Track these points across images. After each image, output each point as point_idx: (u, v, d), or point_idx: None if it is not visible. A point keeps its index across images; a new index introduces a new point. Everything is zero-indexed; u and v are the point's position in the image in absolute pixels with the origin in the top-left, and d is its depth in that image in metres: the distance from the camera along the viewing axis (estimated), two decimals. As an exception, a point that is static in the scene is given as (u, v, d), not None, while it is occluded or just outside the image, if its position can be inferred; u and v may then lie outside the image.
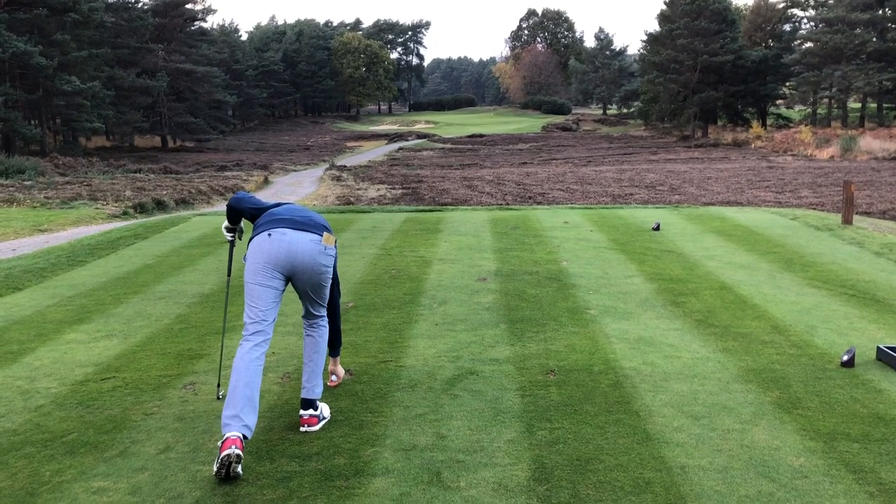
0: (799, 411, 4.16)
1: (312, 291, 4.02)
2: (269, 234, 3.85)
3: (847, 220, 11.36)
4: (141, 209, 20.28)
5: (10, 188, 23.96)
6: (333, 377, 4.62)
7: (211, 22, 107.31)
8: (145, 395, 4.57)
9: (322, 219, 4.09)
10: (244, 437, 3.52)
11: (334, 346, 4.50)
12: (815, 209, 16.26)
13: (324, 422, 4.07)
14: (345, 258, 8.80)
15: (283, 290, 3.96)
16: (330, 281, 4.10)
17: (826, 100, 57.91)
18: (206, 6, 73.59)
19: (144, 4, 57.04)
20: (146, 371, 5.01)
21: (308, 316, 4.17)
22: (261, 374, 3.77)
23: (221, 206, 22.66)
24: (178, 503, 3.28)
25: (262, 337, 3.83)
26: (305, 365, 4.13)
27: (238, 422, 3.53)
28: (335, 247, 4.04)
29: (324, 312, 4.18)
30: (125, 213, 19.34)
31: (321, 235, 3.91)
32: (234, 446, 3.40)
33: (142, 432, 4.01)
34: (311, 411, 4.02)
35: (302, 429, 3.98)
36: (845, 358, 4.92)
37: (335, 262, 4.13)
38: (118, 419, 4.20)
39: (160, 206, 21.29)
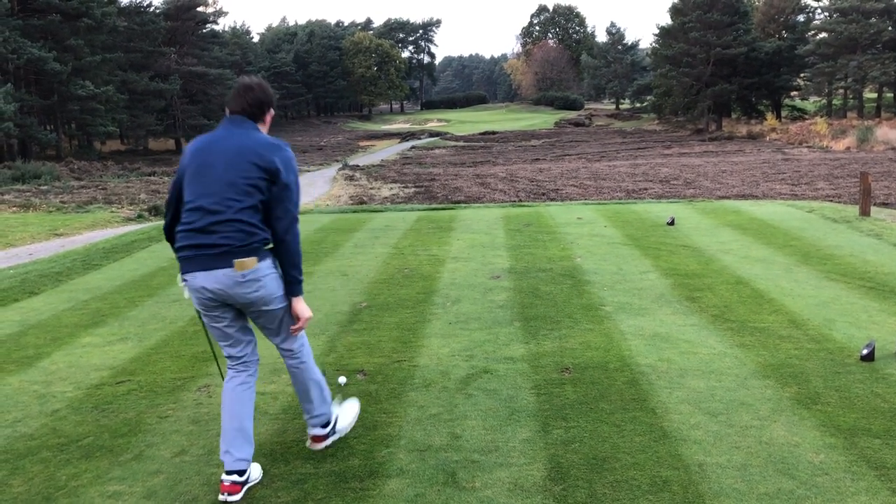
0: (818, 407, 4.10)
1: (261, 325, 3.55)
2: (184, 283, 3.41)
3: (864, 212, 11.23)
4: (155, 212, 20.36)
5: (27, 193, 24.16)
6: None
7: (222, 24, 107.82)
8: (160, 398, 4.58)
9: (235, 232, 3.27)
10: (241, 471, 3.37)
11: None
12: (831, 201, 16.09)
13: (335, 437, 3.84)
14: (358, 257, 8.80)
15: (239, 316, 3.52)
16: (275, 307, 3.45)
17: (841, 90, 57.31)
18: (218, 9, 73.96)
19: (156, 8, 57.34)
20: (161, 374, 5.02)
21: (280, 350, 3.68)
22: (249, 401, 3.54)
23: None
24: (192, 506, 3.28)
25: (244, 367, 3.57)
26: (301, 403, 3.76)
27: (230, 458, 3.38)
28: (262, 267, 3.35)
29: (291, 346, 3.61)
30: (140, 216, 19.44)
31: (231, 265, 3.28)
32: (226, 493, 3.31)
33: (157, 435, 4.02)
34: (318, 430, 3.78)
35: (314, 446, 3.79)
36: (865, 352, 4.85)
37: (275, 284, 3.42)
38: (133, 422, 4.21)
39: (175, 208, 21.35)
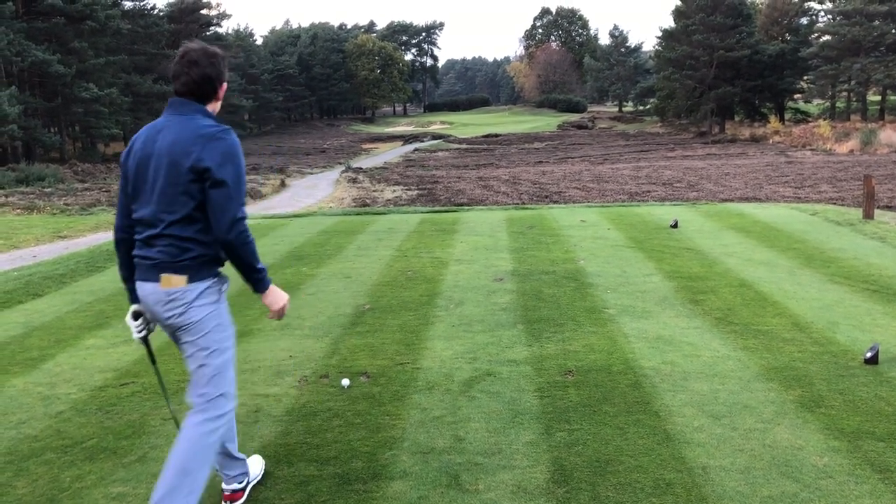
0: (822, 410, 4.10)
1: (185, 359, 3.07)
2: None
3: (868, 215, 11.22)
4: (159, 214, 20.40)
5: (31, 195, 24.22)
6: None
7: (226, 27, 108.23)
8: (163, 400, 4.58)
9: (167, 247, 2.91)
10: (240, 480, 3.28)
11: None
12: (835, 204, 16.07)
13: (255, 480, 3.44)
14: (361, 260, 8.81)
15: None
16: (199, 342, 2.98)
17: (845, 93, 57.23)
18: (221, 11, 74.02)
19: (160, 11, 57.52)
20: (165, 376, 5.01)
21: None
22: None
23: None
24: (196, 508, 3.28)
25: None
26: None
27: (226, 476, 3.28)
28: (191, 289, 2.93)
29: (204, 395, 3.01)
30: (143, 219, 19.47)
31: (158, 280, 2.93)
32: (228, 502, 3.26)
33: (160, 437, 4.02)
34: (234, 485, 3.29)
35: None
36: (868, 355, 4.84)
37: (204, 315, 2.96)
38: (137, 424, 4.22)
39: (178, 210, 21.42)
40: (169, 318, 2.96)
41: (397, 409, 4.29)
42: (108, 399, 4.63)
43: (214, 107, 3.07)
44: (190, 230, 2.90)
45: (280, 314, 3.18)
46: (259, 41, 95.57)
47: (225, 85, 3.10)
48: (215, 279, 3.03)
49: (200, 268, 2.95)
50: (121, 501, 3.37)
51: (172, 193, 2.87)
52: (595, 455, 3.62)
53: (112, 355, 5.54)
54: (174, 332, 3.03)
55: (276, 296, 3.15)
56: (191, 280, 2.93)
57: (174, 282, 2.91)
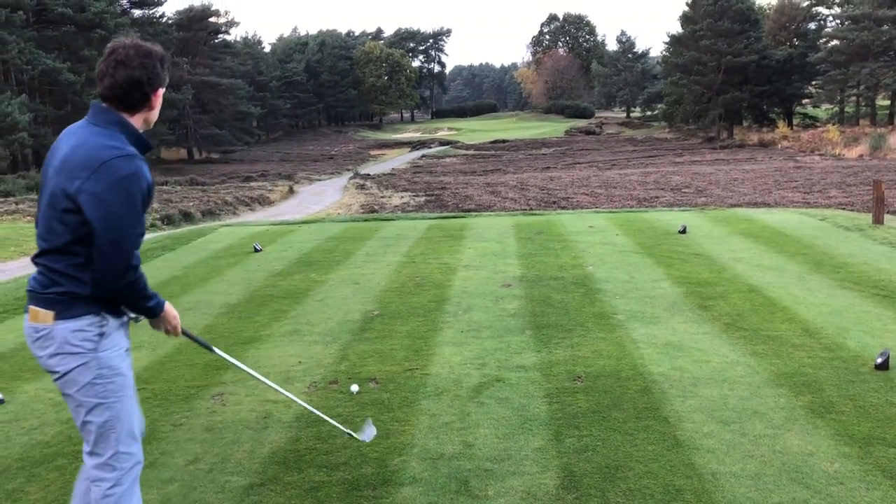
0: (832, 416, 4.08)
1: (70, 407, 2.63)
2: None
3: (878, 220, 11.17)
4: (168, 221, 20.53)
5: (41, 202, 24.33)
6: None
7: (234, 34, 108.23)
8: (174, 406, 4.60)
9: (38, 275, 2.55)
10: None
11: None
12: (844, 209, 16.01)
13: None
14: (370, 266, 8.82)
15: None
16: (78, 397, 2.54)
17: (853, 98, 57.07)
18: (230, 19, 74.53)
19: (169, 19, 57.85)
20: (174, 382, 5.05)
21: None
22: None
23: (247, 217, 22.86)
24: (207, 514, 3.29)
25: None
26: None
27: None
28: (57, 331, 2.50)
29: (94, 457, 2.61)
30: (153, 225, 19.58)
31: (28, 312, 2.55)
32: None
33: (171, 443, 4.04)
34: None
35: None
36: (879, 360, 4.82)
37: (73, 364, 2.51)
38: (147, 430, 4.20)
39: (187, 217, 21.55)
40: (40, 358, 2.55)
41: (406, 414, 4.30)
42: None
43: (147, 116, 2.62)
44: (62, 263, 2.48)
45: (174, 331, 2.86)
46: (267, 48, 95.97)
47: (161, 91, 2.61)
48: (96, 317, 2.54)
49: (72, 304, 2.49)
50: None
51: (50, 218, 2.49)
52: (604, 461, 3.62)
53: (122, 361, 5.57)
54: (49, 373, 2.59)
55: (172, 316, 2.84)
56: (58, 317, 2.48)
57: (41, 317, 2.49)
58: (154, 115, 2.64)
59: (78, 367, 2.50)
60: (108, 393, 2.55)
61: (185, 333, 2.93)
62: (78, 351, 2.50)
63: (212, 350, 3.00)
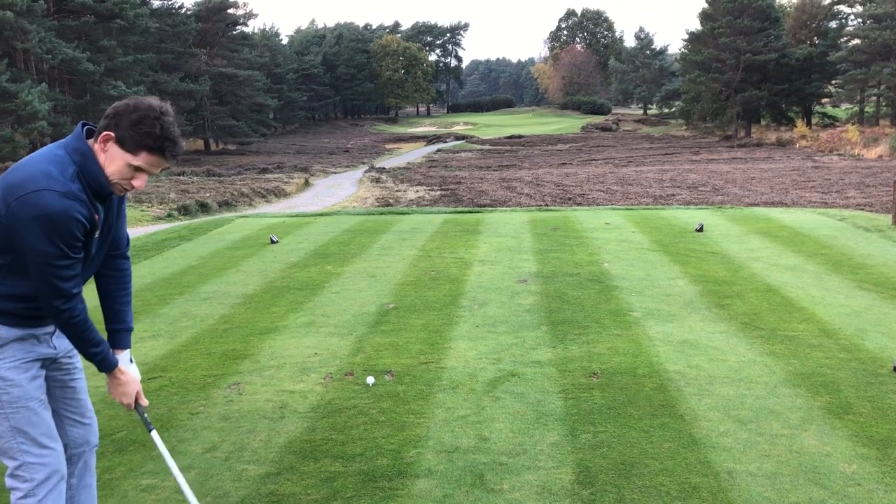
0: (850, 417, 4.06)
1: None
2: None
3: (898, 221, 11.06)
4: (185, 211, 20.65)
5: (59, 191, 24.50)
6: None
7: (252, 26, 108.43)
8: (191, 394, 4.64)
9: None
10: None
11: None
12: (862, 210, 15.87)
13: None
14: (385, 259, 8.84)
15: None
16: None
17: (874, 98, 56.49)
18: (248, 11, 74.56)
19: (188, 10, 58.04)
20: (192, 371, 5.09)
21: None
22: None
23: (264, 209, 22.95)
24: (223, 502, 3.33)
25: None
26: None
27: None
28: None
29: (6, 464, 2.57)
30: (170, 215, 19.70)
31: None
32: None
33: (188, 431, 4.08)
34: None
35: None
36: (898, 362, 4.78)
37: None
38: (165, 418, 4.27)
39: (203, 208, 21.65)
40: None
41: (422, 407, 4.31)
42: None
43: (99, 151, 2.47)
44: None
45: (128, 405, 2.75)
46: (284, 41, 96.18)
47: (112, 135, 2.43)
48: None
49: None
50: (149, 493, 3.42)
51: None
52: (620, 458, 3.62)
53: (140, 350, 5.61)
54: None
55: (122, 384, 2.73)
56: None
57: None
58: (100, 156, 2.47)
59: None
60: (2, 403, 2.51)
61: (137, 410, 2.81)
62: None
63: (150, 431, 2.88)
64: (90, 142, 2.48)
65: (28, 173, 2.36)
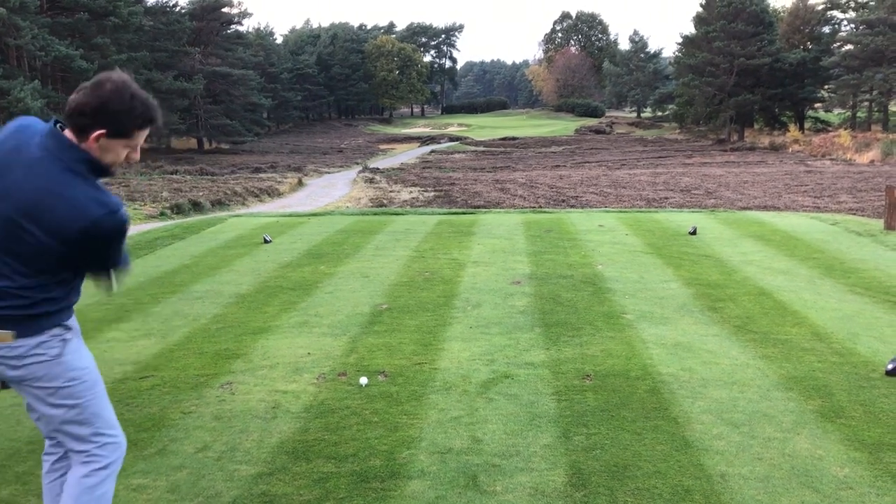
0: (842, 420, 4.07)
1: (34, 412, 2.66)
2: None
3: (890, 226, 11.11)
4: (178, 210, 20.57)
5: (51, 189, 24.38)
6: None
7: (247, 25, 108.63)
8: (183, 393, 4.62)
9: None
10: None
11: None
12: (854, 214, 15.93)
13: None
14: (379, 260, 8.83)
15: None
16: (55, 402, 2.58)
17: (866, 103, 56.77)
18: (243, 10, 74.51)
19: (182, 8, 57.89)
20: (184, 370, 5.07)
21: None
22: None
23: (257, 208, 22.90)
24: (215, 502, 3.31)
25: (50, 442, 2.82)
26: None
27: None
28: (29, 344, 2.49)
29: (80, 446, 2.65)
30: (162, 214, 19.63)
31: None
32: None
33: (180, 431, 4.06)
34: None
35: None
36: (890, 367, 4.80)
37: (51, 372, 2.55)
38: (157, 417, 4.25)
39: (196, 206, 21.58)
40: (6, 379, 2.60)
41: (415, 408, 4.30)
42: (128, 392, 4.67)
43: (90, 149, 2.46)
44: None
45: None
46: (279, 40, 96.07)
47: (104, 132, 2.43)
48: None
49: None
50: (140, 493, 3.40)
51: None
52: (613, 460, 3.62)
53: (132, 349, 5.59)
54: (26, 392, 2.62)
55: None
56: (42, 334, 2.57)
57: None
58: (97, 150, 2.47)
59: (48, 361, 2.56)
60: (84, 390, 2.64)
61: None
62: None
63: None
64: (72, 139, 2.43)
65: (80, 203, 2.37)
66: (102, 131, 2.41)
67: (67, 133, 2.44)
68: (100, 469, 2.65)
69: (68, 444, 2.66)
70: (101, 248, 2.47)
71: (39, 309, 2.47)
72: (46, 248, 2.38)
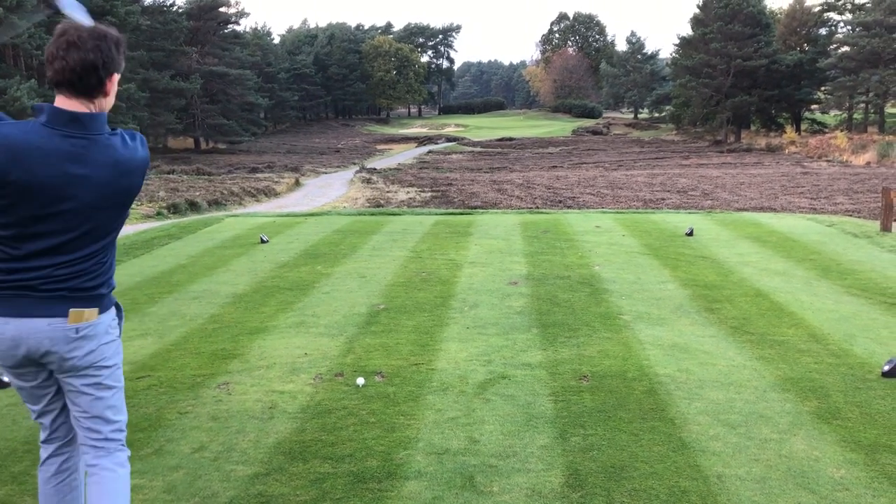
0: (839, 422, 4.07)
1: (77, 403, 2.56)
2: None
3: (886, 228, 11.14)
4: (174, 210, 20.55)
5: (48, 188, 24.34)
6: None
7: (244, 25, 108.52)
8: (179, 394, 4.61)
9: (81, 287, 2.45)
10: None
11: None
12: (851, 216, 15.96)
13: None
14: (376, 260, 8.82)
15: (54, 383, 2.59)
16: (109, 384, 2.59)
17: (862, 105, 56.89)
18: (240, 10, 74.34)
19: (179, 8, 57.77)
20: (180, 370, 5.06)
21: (88, 443, 2.61)
22: (74, 495, 2.71)
23: (253, 208, 22.87)
24: (212, 502, 3.30)
25: (59, 442, 2.69)
26: None
27: None
28: (106, 321, 2.54)
29: (116, 435, 2.64)
30: (159, 214, 19.61)
31: (65, 315, 2.41)
32: None
33: (176, 431, 4.05)
34: None
35: None
36: (886, 368, 4.81)
37: (114, 350, 2.59)
38: (153, 417, 4.24)
39: (193, 206, 21.55)
40: (71, 358, 2.49)
41: (412, 409, 4.30)
42: (125, 392, 4.64)
43: (102, 105, 2.47)
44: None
45: None
46: (276, 40, 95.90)
47: (117, 77, 2.49)
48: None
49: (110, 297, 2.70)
50: (137, 493, 3.39)
51: (113, 218, 2.66)
52: (610, 461, 3.62)
53: (128, 349, 5.56)
54: (70, 374, 2.53)
55: None
56: (102, 311, 2.60)
57: (86, 315, 2.49)
58: (109, 102, 2.49)
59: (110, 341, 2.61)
60: (121, 375, 2.73)
61: None
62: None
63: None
64: (84, 102, 2.40)
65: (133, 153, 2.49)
66: (117, 74, 2.46)
67: (68, 104, 2.38)
68: (128, 457, 2.69)
69: (101, 433, 2.59)
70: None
71: (107, 278, 2.54)
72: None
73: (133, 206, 18.21)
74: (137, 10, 46.82)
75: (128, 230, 13.38)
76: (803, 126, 61.62)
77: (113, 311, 2.61)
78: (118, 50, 2.46)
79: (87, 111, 2.39)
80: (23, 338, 2.41)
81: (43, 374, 2.54)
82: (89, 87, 2.38)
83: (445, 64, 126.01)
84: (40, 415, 2.66)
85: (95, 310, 2.48)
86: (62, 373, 2.51)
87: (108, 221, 2.49)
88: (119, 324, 2.66)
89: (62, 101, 2.37)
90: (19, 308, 2.40)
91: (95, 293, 2.49)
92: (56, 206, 2.34)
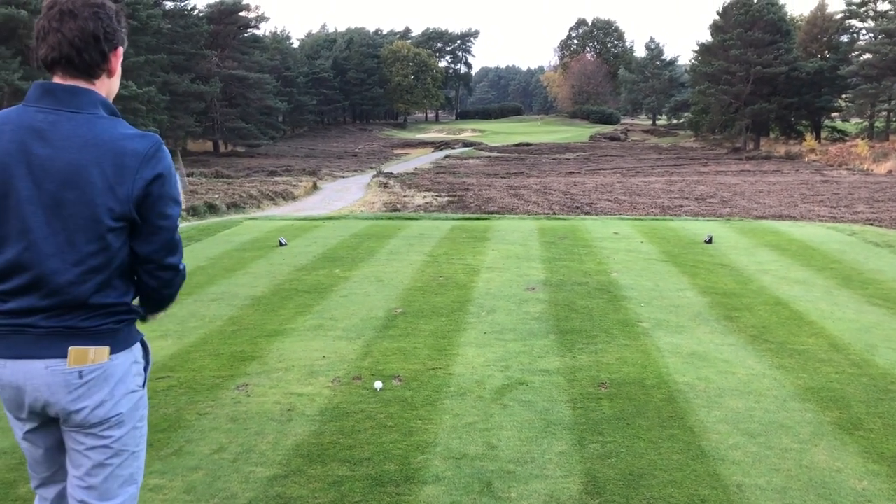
0: (861, 433, 4.03)
1: (76, 465, 2.05)
2: None
3: (907, 237, 11.01)
4: (193, 212, 20.70)
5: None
6: None
7: (264, 29, 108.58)
8: (199, 395, 4.64)
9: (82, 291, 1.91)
10: None
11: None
12: (872, 225, 15.81)
13: None
14: (393, 264, 8.84)
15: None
16: (120, 448, 2.06)
17: (884, 113, 56.34)
18: (260, 14, 74.88)
19: (200, 12, 58.27)
20: (200, 371, 5.09)
21: None
22: None
23: (272, 211, 22.99)
24: (231, 503, 3.32)
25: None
26: None
27: None
28: (124, 363, 2.03)
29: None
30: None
31: (64, 356, 1.92)
32: None
33: (196, 432, 4.08)
34: None
35: None
36: (909, 379, 4.76)
37: (134, 403, 2.08)
38: (173, 418, 4.27)
39: (212, 209, 21.70)
40: (73, 408, 1.98)
41: (430, 413, 4.30)
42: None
43: (108, 86, 2.10)
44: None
45: None
46: (295, 44, 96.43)
47: (121, 51, 2.07)
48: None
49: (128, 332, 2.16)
50: (157, 493, 3.42)
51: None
52: (628, 468, 3.60)
53: (148, 349, 5.62)
54: (71, 426, 2.03)
55: None
56: (114, 350, 2.08)
57: (91, 355, 1.97)
58: (114, 85, 2.09)
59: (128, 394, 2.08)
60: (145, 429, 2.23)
61: None
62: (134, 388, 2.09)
63: None
64: (87, 83, 2.01)
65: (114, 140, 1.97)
66: (122, 48, 2.05)
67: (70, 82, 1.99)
68: None
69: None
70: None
71: (125, 309, 2.00)
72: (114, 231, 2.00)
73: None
74: (159, 14, 47.28)
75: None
76: (823, 134, 61.12)
77: (135, 350, 2.07)
78: (118, 21, 2.03)
79: (70, 85, 1.97)
80: (19, 384, 1.93)
81: (59, 432, 2.06)
82: (91, 62, 1.98)
83: (463, 69, 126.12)
84: (43, 484, 2.17)
85: (106, 348, 1.96)
86: (67, 426, 2.01)
87: (93, 225, 1.92)
88: (146, 368, 2.13)
89: None
90: (15, 347, 1.92)
91: (103, 326, 1.96)
92: (7, 194, 1.90)
